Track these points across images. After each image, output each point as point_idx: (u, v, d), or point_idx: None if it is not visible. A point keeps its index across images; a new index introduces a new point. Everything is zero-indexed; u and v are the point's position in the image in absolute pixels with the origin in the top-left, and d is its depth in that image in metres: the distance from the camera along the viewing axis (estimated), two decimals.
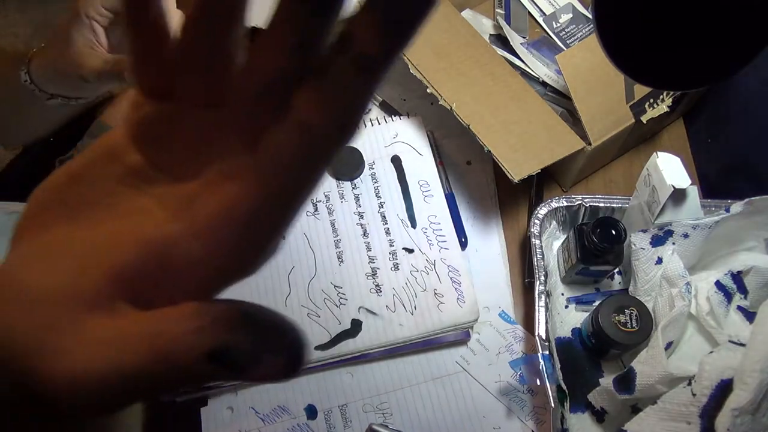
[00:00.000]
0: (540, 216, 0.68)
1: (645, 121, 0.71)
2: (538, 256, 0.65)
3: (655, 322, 0.59)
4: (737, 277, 0.60)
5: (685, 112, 0.81)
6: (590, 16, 0.65)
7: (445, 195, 0.72)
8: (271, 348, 0.17)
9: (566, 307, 0.68)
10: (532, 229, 0.67)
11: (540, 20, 0.85)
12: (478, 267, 0.70)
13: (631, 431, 0.54)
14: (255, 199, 0.18)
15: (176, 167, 0.20)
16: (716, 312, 0.58)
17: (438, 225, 0.69)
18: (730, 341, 0.54)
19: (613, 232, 0.61)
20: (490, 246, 0.72)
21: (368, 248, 0.68)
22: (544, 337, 0.59)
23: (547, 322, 0.60)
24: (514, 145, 0.66)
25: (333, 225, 0.69)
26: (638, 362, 0.56)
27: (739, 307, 0.59)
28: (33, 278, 0.18)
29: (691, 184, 0.59)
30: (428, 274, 0.67)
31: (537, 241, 0.66)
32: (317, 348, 0.63)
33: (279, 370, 0.17)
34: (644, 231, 0.62)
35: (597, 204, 0.68)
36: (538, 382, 0.57)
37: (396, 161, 0.73)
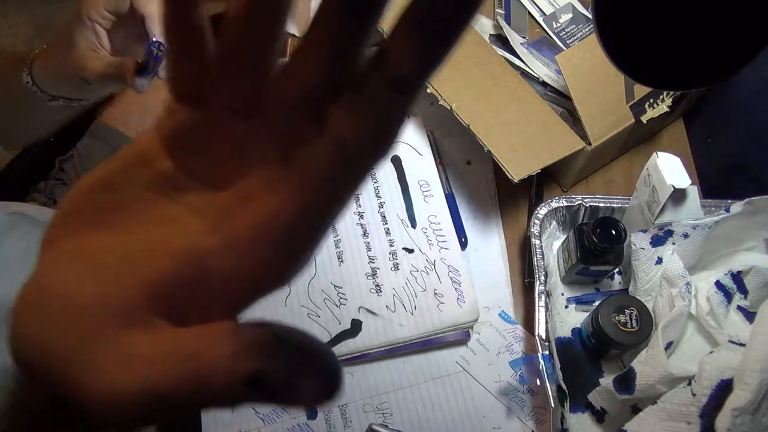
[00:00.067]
0: (540, 216, 0.68)
1: (645, 121, 0.71)
2: (538, 256, 0.65)
3: (655, 322, 0.59)
4: (737, 277, 0.60)
5: (685, 112, 0.81)
6: (590, 16, 0.65)
7: (445, 195, 0.72)
8: (307, 372, 0.17)
9: (566, 307, 0.68)
10: (532, 229, 0.67)
11: (540, 20, 0.85)
12: (478, 267, 0.70)
13: (631, 431, 0.54)
14: (292, 213, 0.18)
15: (208, 175, 0.20)
16: (716, 312, 0.58)
17: (438, 225, 0.69)
18: (730, 341, 0.54)
19: (613, 232, 0.61)
20: (490, 246, 0.72)
21: (368, 248, 0.68)
22: (544, 337, 0.59)
23: (547, 322, 0.60)
24: (514, 145, 0.66)
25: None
26: (638, 362, 0.56)
27: (739, 307, 0.59)
28: (68, 289, 0.18)
29: (691, 184, 0.59)
30: (428, 274, 0.67)
31: (537, 241, 0.66)
32: None
33: (316, 395, 0.17)
34: (644, 231, 0.62)
35: (597, 204, 0.68)
36: (538, 382, 0.57)
37: (396, 161, 0.73)
